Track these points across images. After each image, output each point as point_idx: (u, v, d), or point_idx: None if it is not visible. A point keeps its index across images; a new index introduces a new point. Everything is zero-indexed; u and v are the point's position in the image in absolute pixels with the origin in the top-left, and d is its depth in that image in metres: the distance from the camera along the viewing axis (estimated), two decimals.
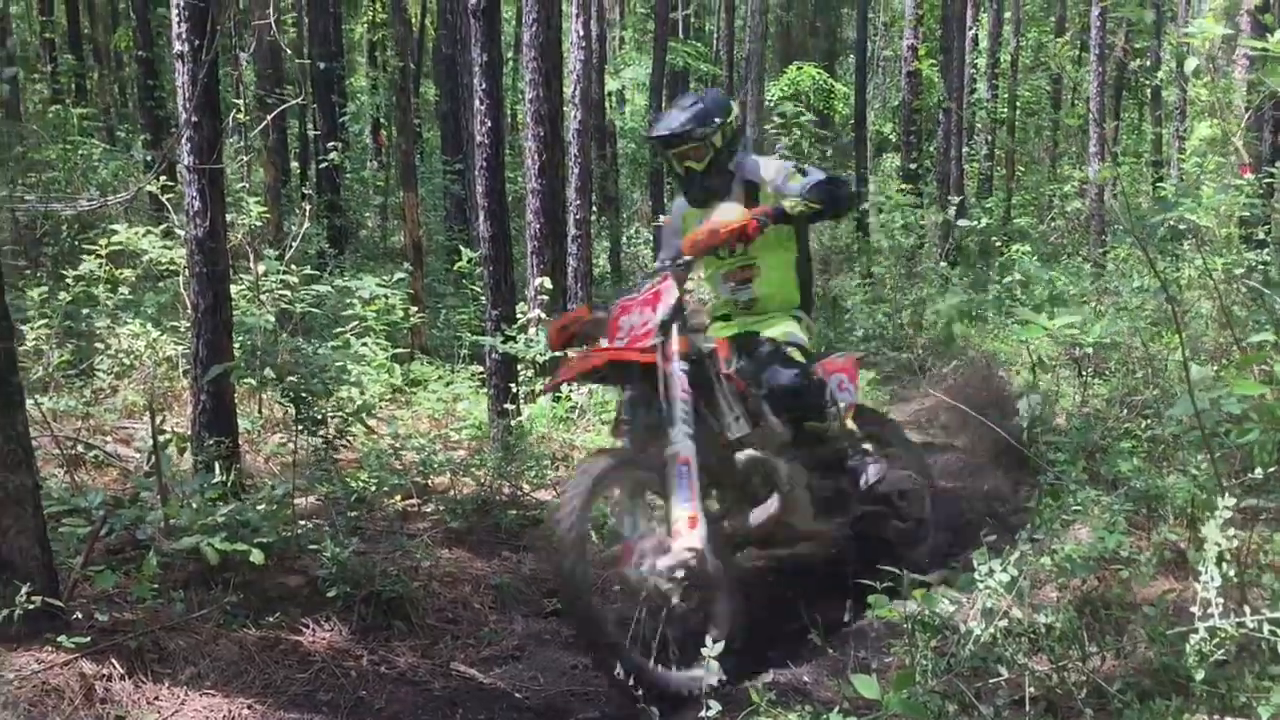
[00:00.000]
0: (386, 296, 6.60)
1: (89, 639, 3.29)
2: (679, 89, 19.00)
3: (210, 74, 5.34)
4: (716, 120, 4.38)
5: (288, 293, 6.53)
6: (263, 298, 6.30)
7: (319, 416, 4.29)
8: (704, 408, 4.04)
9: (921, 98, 17.89)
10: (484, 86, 6.27)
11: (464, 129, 13.64)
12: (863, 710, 2.99)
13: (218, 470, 5.04)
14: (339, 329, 6.79)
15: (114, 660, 3.31)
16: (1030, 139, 19.61)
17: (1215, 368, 4.87)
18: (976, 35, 16.91)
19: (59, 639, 3.24)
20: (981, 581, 2.95)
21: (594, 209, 10.56)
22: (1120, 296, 8.81)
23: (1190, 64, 3.60)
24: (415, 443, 5.34)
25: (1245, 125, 13.50)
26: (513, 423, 6.16)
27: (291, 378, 4.17)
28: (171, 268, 6.75)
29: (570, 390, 7.22)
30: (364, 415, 4.60)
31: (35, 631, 3.28)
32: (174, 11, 5.29)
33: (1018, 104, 18.03)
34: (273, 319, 6.48)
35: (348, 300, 7.07)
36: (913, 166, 15.78)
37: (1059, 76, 21.41)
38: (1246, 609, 2.93)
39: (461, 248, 11.37)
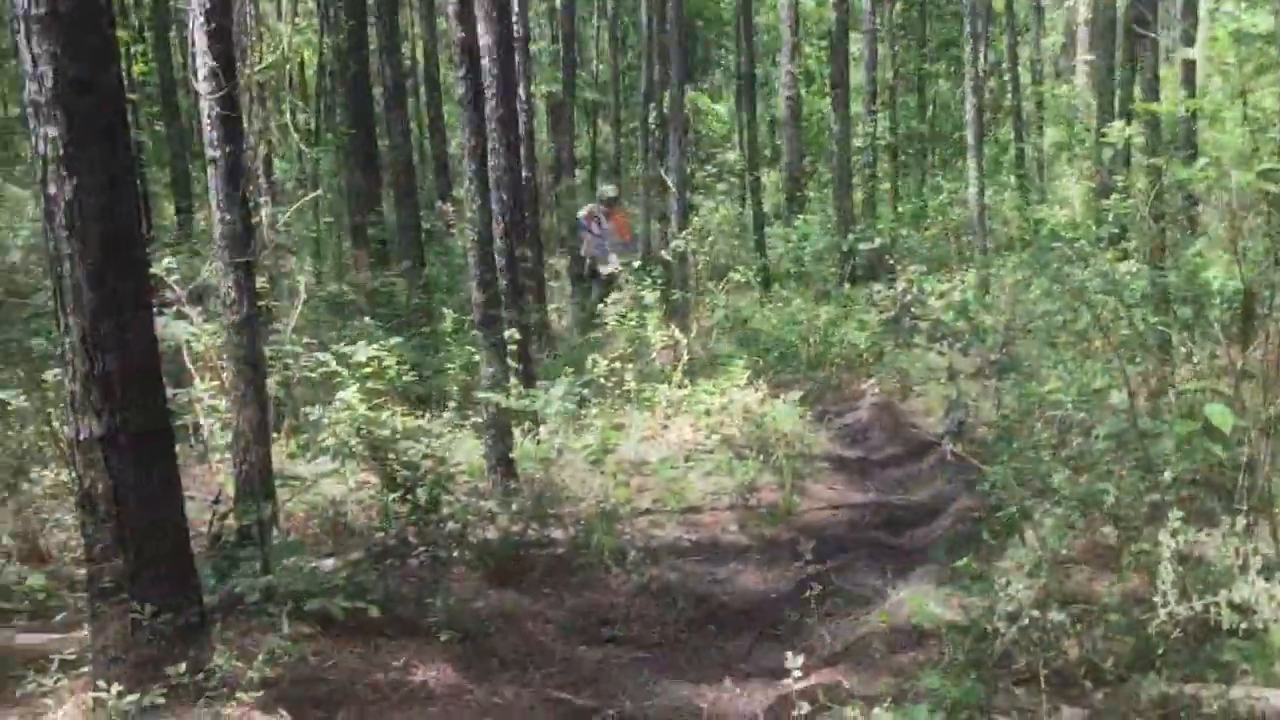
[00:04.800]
0: (381, 360, 7.20)
1: (260, 693, 3.89)
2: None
3: (240, 175, 5.90)
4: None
5: (290, 361, 7.08)
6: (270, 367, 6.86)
7: (408, 484, 4.93)
8: None
9: (803, 122, 19.01)
10: (473, 168, 6.93)
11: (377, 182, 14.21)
12: (908, 701, 3.79)
13: (275, 532, 5.64)
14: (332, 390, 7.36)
15: (282, 710, 3.93)
16: (911, 161, 20.91)
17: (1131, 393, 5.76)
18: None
19: (237, 694, 3.84)
20: (1001, 591, 3.79)
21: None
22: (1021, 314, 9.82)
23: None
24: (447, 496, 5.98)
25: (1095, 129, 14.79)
26: (516, 470, 6.85)
27: (386, 454, 4.79)
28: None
29: (550, 433, 7.94)
30: (445, 482, 5.24)
31: (219, 691, 3.86)
32: (205, 121, 5.84)
33: (898, 130, 19.27)
34: (279, 389, 7.04)
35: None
36: (799, 194, 16.86)
37: (923, 90, 22.84)
38: (1194, 596, 3.83)
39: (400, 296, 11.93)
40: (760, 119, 29.17)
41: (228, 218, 5.85)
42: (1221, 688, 3.58)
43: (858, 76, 19.78)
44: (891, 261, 14.89)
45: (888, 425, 9.63)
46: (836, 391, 11.36)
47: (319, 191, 12.59)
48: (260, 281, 7.32)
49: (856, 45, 19.95)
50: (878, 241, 14.42)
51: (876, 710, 3.58)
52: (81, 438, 3.78)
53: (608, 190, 14.60)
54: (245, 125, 5.74)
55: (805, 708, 3.52)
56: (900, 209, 19.05)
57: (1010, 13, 19.26)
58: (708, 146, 25.58)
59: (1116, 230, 10.84)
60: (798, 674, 3.57)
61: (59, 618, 4.74)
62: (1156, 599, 3.79)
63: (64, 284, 3.71)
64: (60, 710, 3.84)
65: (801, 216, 16.74)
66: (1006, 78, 20.14)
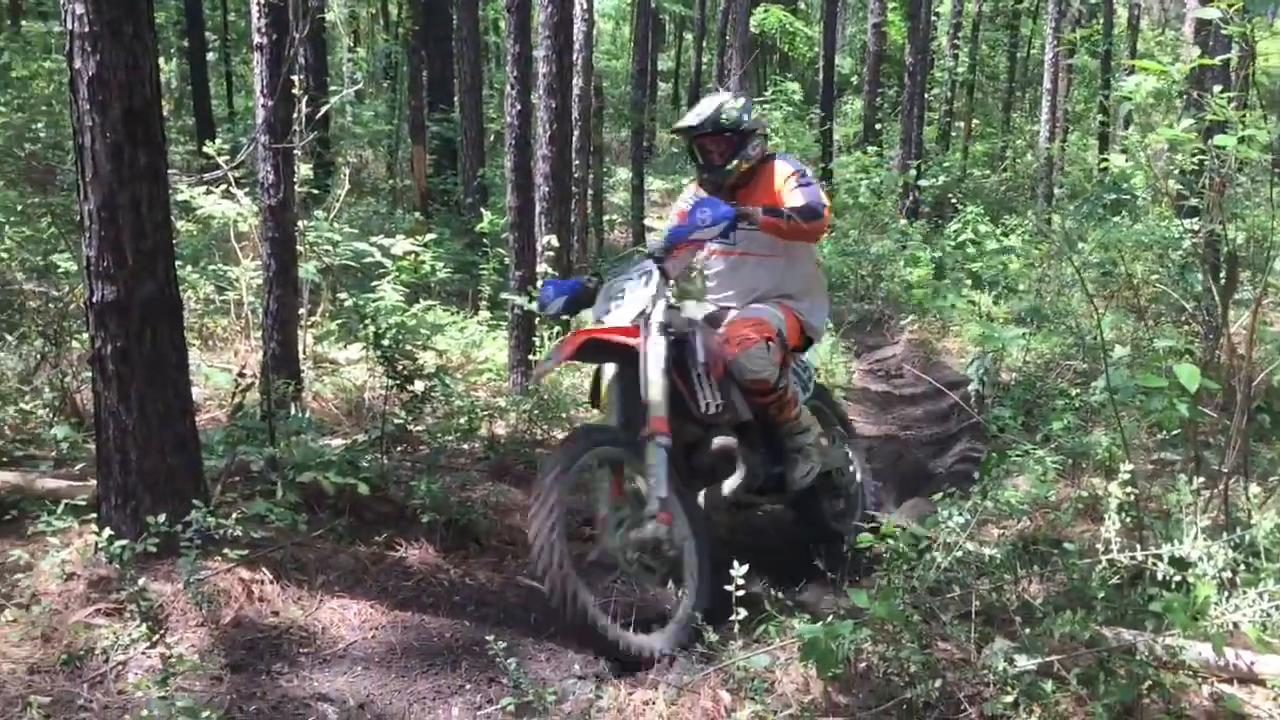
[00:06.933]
0: (418, 254, 7.43)
1: (246, 552, 4.18)
2: (651, 28, 19.68)
3: (283, 63, 6.09)
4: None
5: (330, 248, 7.34)
6: (310, 252, 7.11)
7: (408, 374, 5.17)
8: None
9: (886, 49, 18.67)
10: (514, 74, 7.07)
11: (451, 78, 14.29)
12: (849, 619, 3.96)
13: (293, 409, 5.92)
14: (373, 280, 7.61)
15: (264, 569, 4.22)
16: (988, 98, 20.48)
17: (1130, 351, 5.80)
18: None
19: (224, 551, 4.13)
20: (943, 523, 3.92)
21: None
22: (1062, 265, 9.78)
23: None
24: (458, 388, 6.22)
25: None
26: (532, 371, 7.06)
27: (385, 341, 5.02)
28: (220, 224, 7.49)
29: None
30: (444, 377, 5.47)
31: (199, 546, 4.13)
32: (254, 9, 6.03)
33: (977, 66, 18.86)
34: (316, 274, 7.29)
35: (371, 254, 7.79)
36: (877, 126, 16.65)
37: (1015, 28, 22.25)
38: (1138, 546, 3.93)
39: (458, 194, 12.13)
40: (851, 43, 28.64)
41: (268, 104, 6.07)
42: (1152, 635, 3.69)
43: (948, 6, 19.39)
44: (954, 201, 14.78)
45: (919, 363, 9.69)
46: (879, 326, 11.42)
47: (359, 85, 12.73)
48: (306, 168, 7.56)
49: None
50: (941, 179, 14.28)
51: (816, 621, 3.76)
52: (94, 300, 4.05)
53: None
54: (291, 14, 5.84)
55: (743, 613, 3.70)
56: (975, 149, 18.76)
57: None
58: (799, 68, 25.27)
59: (1179, 186, 10.61)
60: (741, 582, 3.75)
61: (79, 467, 5.08)
62: (1099, 546, 3.91)
63: (85, 155, 3.95)
64: (65, 550, 4.16)
65: (873, 147, 16.58)
66: (1100, 21, 19.58)
